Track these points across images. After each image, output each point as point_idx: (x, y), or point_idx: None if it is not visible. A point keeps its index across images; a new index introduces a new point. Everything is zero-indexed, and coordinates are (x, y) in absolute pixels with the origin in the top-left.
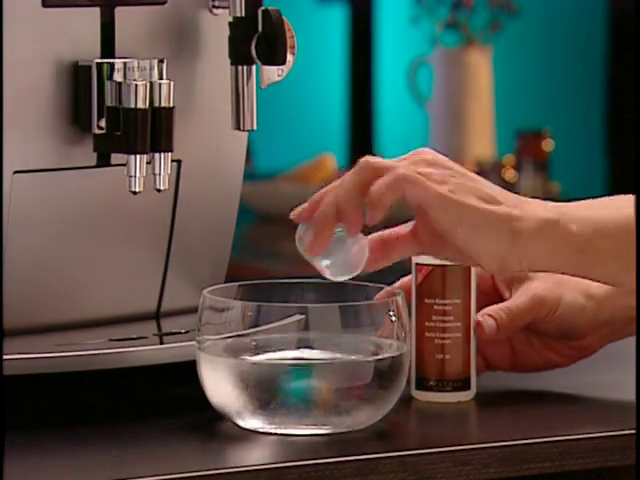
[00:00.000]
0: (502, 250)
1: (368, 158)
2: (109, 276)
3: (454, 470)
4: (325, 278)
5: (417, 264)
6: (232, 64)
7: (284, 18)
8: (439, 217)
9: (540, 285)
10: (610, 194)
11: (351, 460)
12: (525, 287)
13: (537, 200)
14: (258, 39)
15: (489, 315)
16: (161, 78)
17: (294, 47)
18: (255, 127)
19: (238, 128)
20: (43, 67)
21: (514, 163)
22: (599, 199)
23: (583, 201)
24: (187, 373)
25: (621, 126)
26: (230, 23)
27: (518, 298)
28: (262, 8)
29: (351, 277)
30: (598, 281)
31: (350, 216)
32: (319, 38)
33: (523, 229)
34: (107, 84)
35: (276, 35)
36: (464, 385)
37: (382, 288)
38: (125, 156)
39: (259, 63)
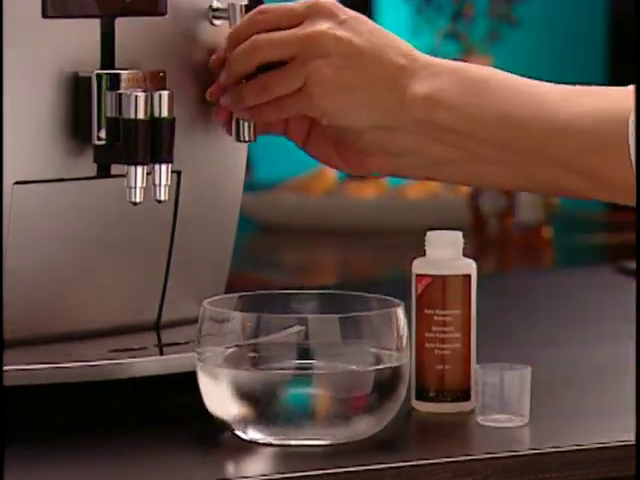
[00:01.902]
0: (376, 118)
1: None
2: (109, 287)
3: None
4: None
5: (417, 275)
6: None
7: None
8: (320, 117)
9: None
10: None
11: (351, 471)
12: None
13: (424, 62)
14: None
15: None
16: (161, 89)
17: None
18: (254, 139)
19: (238, 140)
20: (43, 78)
21: None
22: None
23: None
24: (187, 384)
25: None
26: None
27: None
28: None
29: None
30: None
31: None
32: None
33: (397, 112)
34: (107, 95)
35: None
36: (464, 396)
37: (383, 299)
38: (125, 167)
39: None
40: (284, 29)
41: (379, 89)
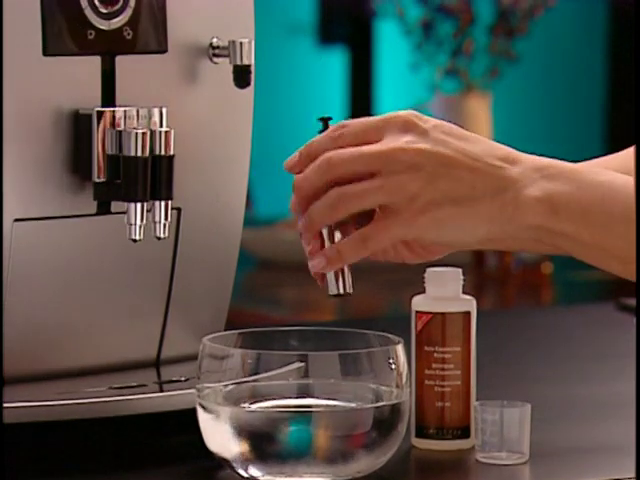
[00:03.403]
0: (482, 237)
1: (332, 156)
2: (109, 323)
3: None
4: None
5: (417, 312)
6: None
7: None
8: (422, 237)
9: None
10: None
11: None
12: None
13: (529, 162)
14: None
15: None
16: (161, 126)
17: None
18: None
19: (336, 294)
20: (44, 115)
21: None
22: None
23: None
24: (187, 421)
25: None
26: None
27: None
28: None
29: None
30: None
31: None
32: (319, 83)
33: (507, 218)
34: (107, 132)
35: None
36: (464, 433)
37: (382, 336)
38: (125, 204)
39: None
40: (363, 144)
41: (481, 201)
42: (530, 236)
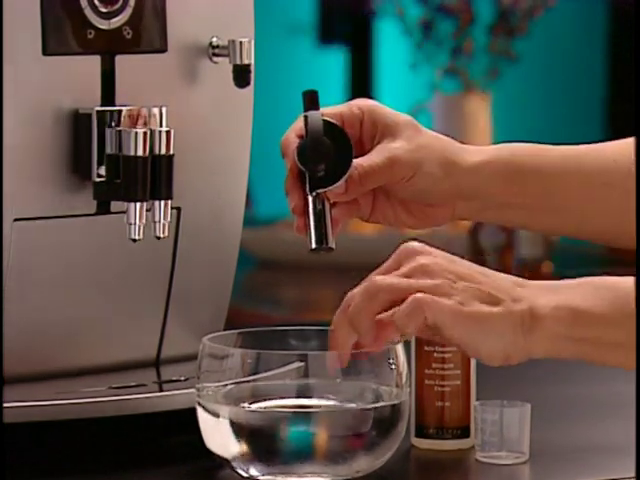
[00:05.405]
0: (508, 349)
1: (376, 281)
2: (109, 323)
3: None
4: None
5: None
6: None
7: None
8: (453, 332)
9: (401, 146)
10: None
11: None
12: (385, 145)
13: (535, 283)
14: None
15: None
16: (161, 126)
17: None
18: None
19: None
20: (43, 115)
21: None
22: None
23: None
24: (187, 421)
25: None
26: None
27: (374, 157)
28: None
29: None
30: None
31: (366, 335)
32: (319, 83)
33: (527, 329)
34: (107, 132)
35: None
36: (464, 433)
37: None
38: (125, 204)
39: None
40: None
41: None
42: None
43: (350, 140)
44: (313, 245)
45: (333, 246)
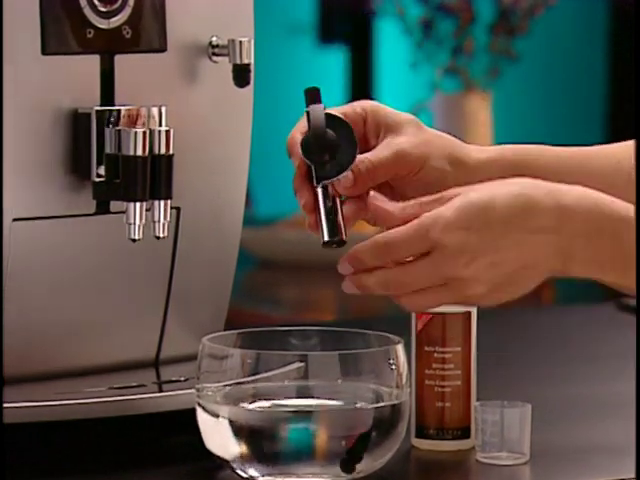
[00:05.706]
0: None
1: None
2: (108, 323)
3: None
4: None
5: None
6: None
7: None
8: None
9: (407, 140)
10: None
11: None
12: (391, 140)
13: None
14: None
15: None
16: (161, 125)
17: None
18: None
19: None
20: (43, 114)
21: None
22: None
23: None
24: (186, 421)
25: None
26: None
27: (381, 151)
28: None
29: None
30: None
31: None
32: (319, 83)
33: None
34: (106, 131)
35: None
36: (464, 433)
37: (383, 336)
38: (124, 204)
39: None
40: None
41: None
42: None
43: (353, 131)
44: (325, 238)
45: (345, 239)
